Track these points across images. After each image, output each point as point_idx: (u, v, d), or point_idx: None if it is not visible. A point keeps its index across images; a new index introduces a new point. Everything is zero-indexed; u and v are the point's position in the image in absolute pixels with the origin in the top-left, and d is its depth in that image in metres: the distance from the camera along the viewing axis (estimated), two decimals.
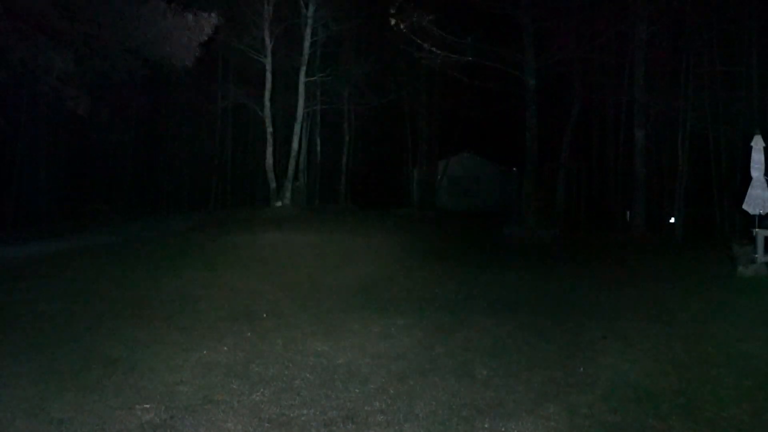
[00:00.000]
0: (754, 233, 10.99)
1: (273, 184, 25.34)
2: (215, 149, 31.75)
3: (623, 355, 5.79)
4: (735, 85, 23.16)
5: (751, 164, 11.70)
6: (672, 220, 25.63)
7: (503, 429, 4.17)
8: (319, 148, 30.77)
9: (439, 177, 29.38)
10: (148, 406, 4.43)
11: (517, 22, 15.17)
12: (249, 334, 6.38)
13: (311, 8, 23.81)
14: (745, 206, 11.75)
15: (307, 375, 5.14)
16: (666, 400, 4.67)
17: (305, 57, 24.40)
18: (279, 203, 24.28)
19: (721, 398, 4.75)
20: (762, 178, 11.59)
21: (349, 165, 30.64)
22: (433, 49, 15.77)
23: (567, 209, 18.36)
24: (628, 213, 22.71)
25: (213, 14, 15.23)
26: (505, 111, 23.66)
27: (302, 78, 24.53)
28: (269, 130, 25.83)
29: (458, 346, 6.02)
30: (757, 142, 11.63)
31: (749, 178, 11.80)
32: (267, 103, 25.55)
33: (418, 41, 15.79)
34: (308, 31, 24.15)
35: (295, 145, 24.95)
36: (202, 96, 29.30)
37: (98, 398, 4.56)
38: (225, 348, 5.86)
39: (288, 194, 24.64)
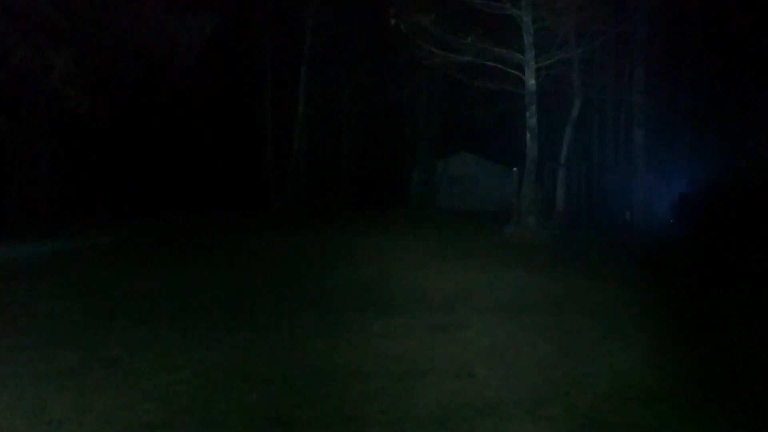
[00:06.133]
0: None
1: (273, 185, 25.36)
2: (215, 149, 31.71)
3: (623, 355, 5.79)
4: (734, 84, 23.18)
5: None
6: (672, 220, 25.61)
7: (503, 429, 4.17)
8: (319, 148, 30.77)
9: (438, 177, 29.38)
10: (148, 406, 4.42)
11: (517, 22, 15.14)
12: (249, 334, 6.37)
13: (312, 8, 23.85)
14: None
15: (307, 375, 5.13)
16: (666, 400, 4.67)
17: (305, 57, 24.42)
18: (279, 203, 24.32)
19: (721, 398, 4.75)
20: None
21: (349, 165, 30.63)
22: (433, 49, 15.75)
23: (567, 209, 18.31)
24: (628, 213, 22.74)
25: (213, 14, 15.26)
26: (505, 111, 23.64)
27: (303, 78, 24.56)
28: (269, 129, 25.86)
29: (458, 346, 6.02)
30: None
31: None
32: (267, 103, 25.59)
33: (418, 41, 15.77)
34: (308, 30, 24.18)
35: (295, 145, 24.97)
36: (202, 96, 29.29)
37: (98, 398, 4.56)
38: (225, 348, 5.85)
39: (288, 194, 24.67)
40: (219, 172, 33.03)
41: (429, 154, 29.13)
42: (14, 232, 16.69)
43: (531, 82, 15.36)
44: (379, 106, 27.94)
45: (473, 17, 15.77)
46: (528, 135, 15.52)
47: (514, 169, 20.02)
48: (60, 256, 12.06)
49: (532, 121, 15.41)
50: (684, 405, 4.59)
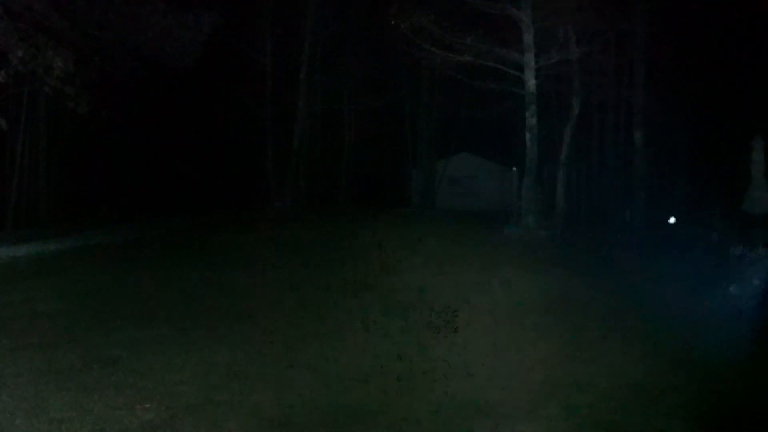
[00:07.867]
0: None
1: (273, 185, 25.35)
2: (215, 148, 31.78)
3: (623, 355, 5.79)
4: (735, 84, 23.16)
5: (752, 165, 11.72)
6: (672, 220, 25.61)
7: (503, 429, 4.17)
8: (319, 148, 30.76)
9: (438, 177, 29.38)
10: (148, 406, 4.42)
11: (517, 22, 15.14)
12: (249, 334, 6.37)
13: (312, 8, 23.83)
14: (744, 207, 11.76)
15: (307, 375, 5.14)
16: (666, 400, 4.67)
17: (305, 57, 24.40)
18: (279, 203, 24.30)
19: (720, 399, 4.76)
20: (762, 179, 11.60)
21: (349, 165, 30.62)
22: (433, 49, 15.74)
23: (567, 209, 18.30)
24: (627, 213, 22.72)
25: (213, 14, 15.24)
26: (505, 111, 23.63)
27: (302, 78, 24.54)
28: (269, 129, 25.85)
29: (458, 346, 6.02)
30: (757, 142, 11.64)
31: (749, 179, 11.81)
32: (267, 103, 25.57)
33: (418, 41, 15.75)
34: (308, 30, 24.16)
35: (295, 145, 24.95)
36: (202, 96, 29.31)
37: (98, 398, 4.56)
38: (225, 348, 5.86)
39: (288, 194, 24.65)
40: (219, 172, 33.03)
41: (429, 154, 29.11)
42: (14, 231, 16.69)
43: (531, 82, 15.35)
44: (379, 106, 27.93)
45: (473, 17, 15.75)
46: (528, 135, 15.51)
47: (514, 169, 20.03)
48: (60, 255, 12.06)
49: (532, 121, 15.39)
50: (684, 405, 4.59)
